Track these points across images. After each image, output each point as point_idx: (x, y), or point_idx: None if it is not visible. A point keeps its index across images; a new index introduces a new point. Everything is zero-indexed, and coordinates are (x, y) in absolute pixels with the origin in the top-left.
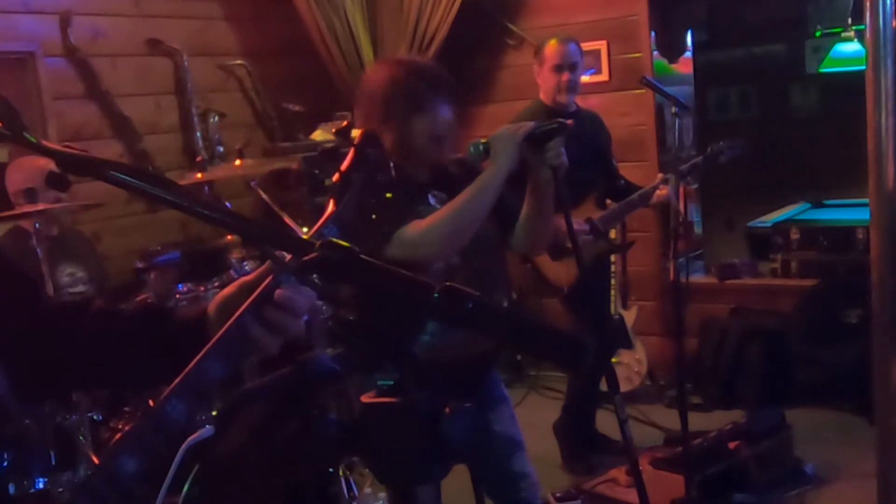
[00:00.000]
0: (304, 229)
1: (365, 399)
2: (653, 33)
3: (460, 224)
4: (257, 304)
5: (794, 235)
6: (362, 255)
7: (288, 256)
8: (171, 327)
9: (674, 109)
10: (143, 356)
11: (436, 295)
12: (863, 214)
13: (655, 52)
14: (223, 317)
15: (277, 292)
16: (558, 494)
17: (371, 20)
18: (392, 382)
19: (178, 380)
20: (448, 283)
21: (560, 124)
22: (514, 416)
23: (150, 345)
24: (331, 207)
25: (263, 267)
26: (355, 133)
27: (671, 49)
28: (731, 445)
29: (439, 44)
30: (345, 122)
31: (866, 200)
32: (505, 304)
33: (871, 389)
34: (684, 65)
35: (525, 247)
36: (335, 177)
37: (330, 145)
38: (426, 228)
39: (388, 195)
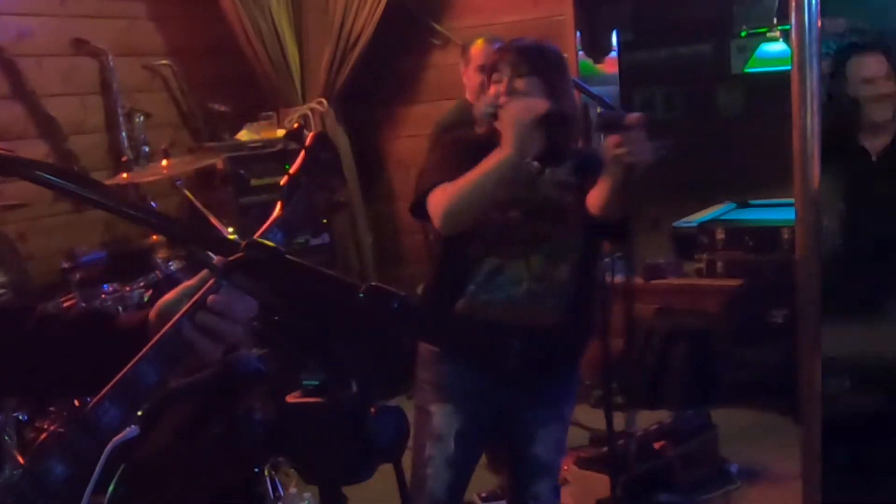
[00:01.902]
0: (230, 229)
1: (290, 399)
2: (578, 33)
3: (461, 205)
4: (195, 309)
5: (720, 235)
6: (287, 256)
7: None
8: (113, 333)
9: (599, 110)
10: (85, 362)
11: (360, 295)
12: (788, 214)
13: (581, 53)
14: (164, 322)
15: (213, 298)
16: (483, 494)
17: (296, 20)
18: (317, 382)
19: (110, 385)
20: (373, 284)
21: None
22: (561, 443)
23: (94, 351)
24: (277, 211)
25: (204, 272)
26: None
27: (597, 49)
28: (657, 445)
29: (365, 44)
30: (296, 125)
31: (792, 200)
32: (567, 278)
33: (797, 389)
34: (610, 65)
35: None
36: (283, 179)
37: (280, 146)
38: (440, 200)
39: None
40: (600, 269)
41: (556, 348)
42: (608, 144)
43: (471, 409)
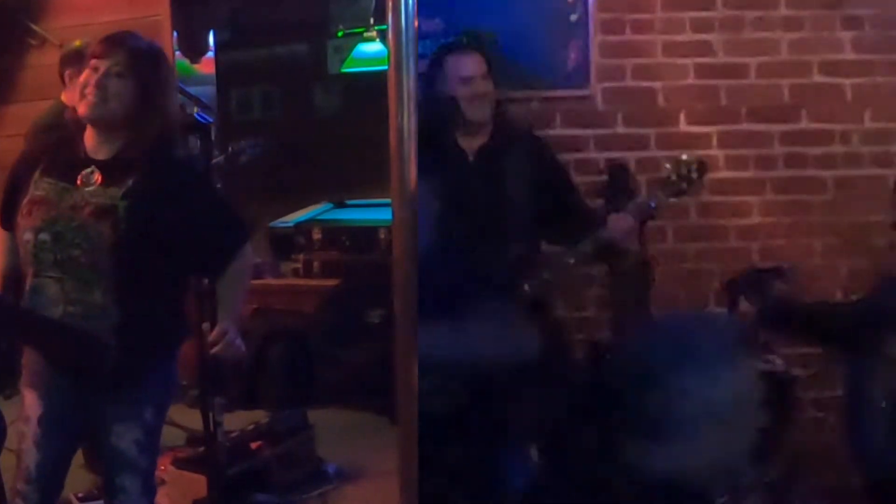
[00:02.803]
0: None
1: None
2: (175, 33)
3: None
4: None
5: (317, 235)
6: None
7: None
8: None
9: (196, 110)
10: None
11: None
12: (385, 214)
13: (178, 53)
14: None
15: None
16: (80, 495)
17: None
18: None
19: None
20: None
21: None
22: (142, 442)
23: None
24: None
25: None
26: None
27: (193, 49)
28: (254, 445)
29: None
30: None
31: (388, 200)
32: (103, 303)
33: (393, 389)
34: (207, 65)
35: None
36: None
37: None
38: None
39: None
40: (174, 288)
41: (112, 365)
42: None
43: (53, 395)
